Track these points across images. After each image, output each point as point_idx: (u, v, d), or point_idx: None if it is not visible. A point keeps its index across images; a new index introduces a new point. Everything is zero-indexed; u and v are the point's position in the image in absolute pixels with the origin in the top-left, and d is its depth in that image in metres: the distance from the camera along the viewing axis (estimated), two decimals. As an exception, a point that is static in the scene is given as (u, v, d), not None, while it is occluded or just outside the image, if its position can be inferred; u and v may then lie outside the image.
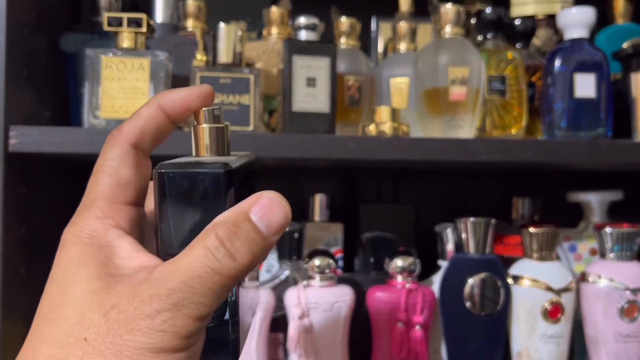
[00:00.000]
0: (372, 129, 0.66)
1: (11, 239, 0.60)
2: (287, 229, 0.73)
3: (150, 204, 0.29)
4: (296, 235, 0.73)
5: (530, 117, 0.83)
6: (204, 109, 0.29)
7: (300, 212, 0.88)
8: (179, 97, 0.29)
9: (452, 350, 0.66)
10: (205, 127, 0.28)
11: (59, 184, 0.74)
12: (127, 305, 0.24)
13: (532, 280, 0.68)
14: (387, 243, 0.74)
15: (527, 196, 0.88)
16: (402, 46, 0.79)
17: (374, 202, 0.87)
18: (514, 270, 0.70)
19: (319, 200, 0.84)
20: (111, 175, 0.27)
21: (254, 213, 0.25)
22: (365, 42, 0.90)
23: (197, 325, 0.24)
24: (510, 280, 0.69)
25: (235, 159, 0.28)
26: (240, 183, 0.27)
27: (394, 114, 0.66)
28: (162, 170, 0.26)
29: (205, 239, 0.25)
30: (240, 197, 0.26)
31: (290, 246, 0.72)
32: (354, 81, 0.74)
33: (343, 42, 0.77)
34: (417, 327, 0.65)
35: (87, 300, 0.24)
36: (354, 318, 0.67)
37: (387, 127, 0.65)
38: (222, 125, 0.29)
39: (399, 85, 0.77)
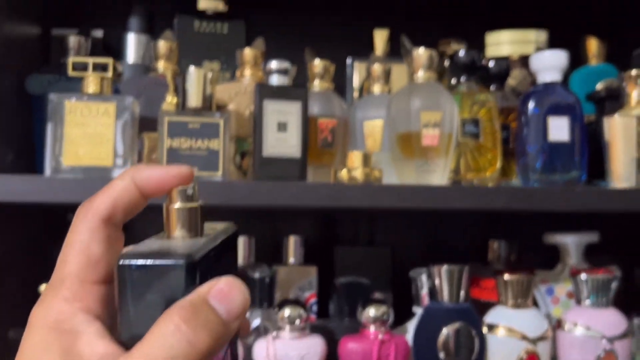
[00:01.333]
0: (343, 174, 0.65)
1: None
2: (257, 275, 0.71)
3: None
4: (267, 280, 0.71)
5: (505, 159, 0.83)
6: (176, 188, 0.28)
7: (274, 254, 0.86)
8: (154, 175, 0.28)
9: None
10: (176, 207, 0.28)
11: (15, 232, 0.72)
12: None
13: (507, 329, 0.67)
14: (362, 288, 0.73)
15: (504, 237, 0.88)
16: (377, 88, 0.79)
17: (350, 243, 0.86)
18: (489, 318, 0.69)
19: (293, 242, 0.83)
20: (81, 251, 0.27)
21: (213, 297, 0.25)
22: (342, 82, 0.89)
23: None
24: (485, 329, 0.68)
25: (205, 242, 0.27)
26: (209, 268, 0.27)
27: (366, 159, 0.66)
28: (122, 263, 0.25)
29: (163, 326, 0.24)
30: (210, 278, 0.26)
31: (261, 292, 0.70)
32: (328, 124, 0.73)
33: (317, 84, 0.76)
34: (389, 379, 0.63)
35: None
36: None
37: (358, 173, 0.64)
38: (195, 205, 0.28)
39: (373, 127, 0.76)
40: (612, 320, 0.69)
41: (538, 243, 0.88)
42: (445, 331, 0.64)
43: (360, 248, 0.83)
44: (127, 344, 0.26)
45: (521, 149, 0.77)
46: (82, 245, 0.27)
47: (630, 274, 0.96)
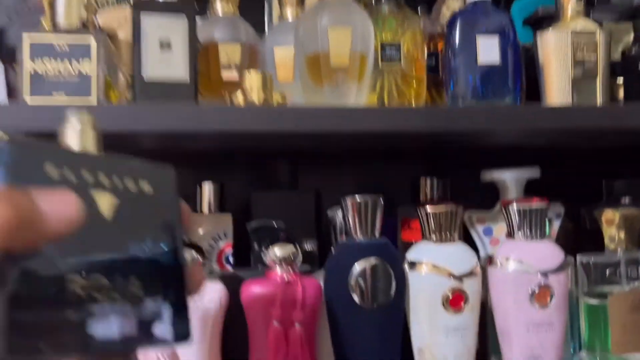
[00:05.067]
0: (239, 97, 0.57)
1: None
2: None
3: None
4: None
5: (436, 90, 0.76)
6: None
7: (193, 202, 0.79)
8: None
9: (339, 349, 0.57)
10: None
11: None
12: None
13: (431, 266, 0.60)
14: (276, 232, 0.65)
15: (439, 176, 0.81)
16: (289, 13, 0.71)
17: (270, 189, 0.78)
18: (411, 255, 0.62)
19: (207, 189, 0.75)
20: None
21: (37, 192, 0.23)
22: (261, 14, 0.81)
23: None
24: (407, 267, 0.61)
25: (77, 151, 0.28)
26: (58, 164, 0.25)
27: (266, 82, 0.58)
28: None
29: None
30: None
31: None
32: (230, 50, 0.65)
33: (219, 7, 0.68)
34: (297, 325, 0.56)
35: None
36: (234, 319, 0.58)
37: (256, 95, 0.56)
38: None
39: (284, 55, 0.68)
40: (546, 253, 0.63)
41: (477, 184, 0.82)
42: (357, 269, 0.57)
43: (280, 193, 0.76)
44: None
45: (450, 75, 0.70)
46: None
47: (577, 216, 0.91)
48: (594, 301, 0.71)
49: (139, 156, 0.29)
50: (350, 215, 0.59)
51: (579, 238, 0.91)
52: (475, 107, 0.64)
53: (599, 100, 0.67)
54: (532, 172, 0.79)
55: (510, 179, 0.78)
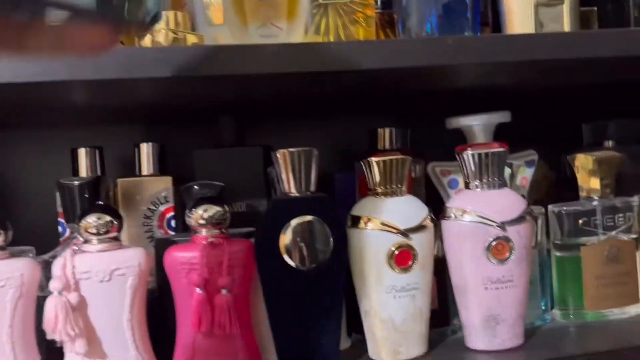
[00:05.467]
0: (147, 40, 0.51)
1: None
2: (77, 182, 0.58)
3: None
4: (86, 189, 0.57)
5: (390, 30, 0.69)
6: None
7: (124, 165, 0.74)
8: None
9: (273, 315, 0.52)
10: None
11: None
12: None
13: (374, 221, 0.54)
14: (210, 192, 0.59)
15: (402, 126, 0.75)
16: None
17: (216, 147, 0.72)
18: (354, 210, 0.57)
19: (145, 150, 0.70)
20: None
21: None
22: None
23: None
24: (349, 223, 0.56)
25: None
26: None
27: (177, 20, 0.51)
28: None
29: None
30: None
31: (82, 207, 0.57)
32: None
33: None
34: (224, 291, 0.51)
35: None
36: (164, 289, 0.53)
37: (162, 37, 0.50)
38: None
39: (212, -6, 0.61)
40: (504, 203, 0.57)
41: (444, 133, 0.75)
42: (289, 228, 0.51)
43: (224, 150, 0.70)
44: None
45: (402, 10, 0.63)
46: None
47: (557, 163, 0.84)
48: (566, 254, 0.65)
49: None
50: (282, 170, 0.53)
51: (561, 187, 0.84)
52: (431, 40, 0.57)
53: (567, 27, 0.59)
54: (501, 117, 0.72)
55: (477, 125, 0.72)
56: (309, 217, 0.52)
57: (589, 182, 0.66)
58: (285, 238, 0.51)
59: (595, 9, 0.66)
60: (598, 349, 0.56)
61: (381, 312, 0.55)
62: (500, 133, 0.73)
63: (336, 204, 0.56)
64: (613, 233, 0.65)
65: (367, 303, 0.55)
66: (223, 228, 0.53)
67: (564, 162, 0.82)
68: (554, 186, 0.87)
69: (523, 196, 0.68)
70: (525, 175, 0.73)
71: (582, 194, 0.66)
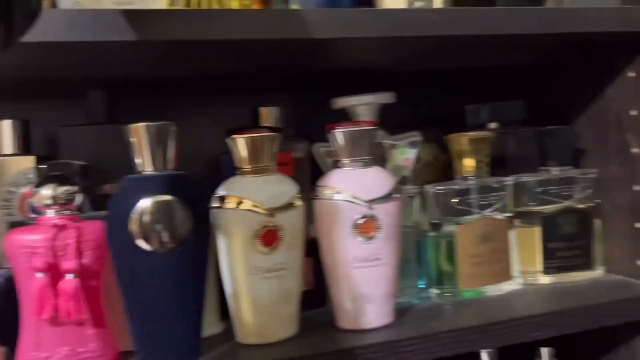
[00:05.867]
0: None
1: None
2: None
3: None
4: None
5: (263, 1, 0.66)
6: None
7: None
8: None
9: (127, 302, 0.50)
10: None
11: None
12: None
13: (240, 201, 0.52)
14: (68, 172, 0.56)
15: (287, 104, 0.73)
16: None
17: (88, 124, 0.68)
18: (220, 190, 0.54)
19: (7, 129, 0.64)
20: None
21: None
22: None
23: None
24: (214, 203, 0.54)
25: None
26: None
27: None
28: None
29: None
30: None
31: None
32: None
33: None
34: (70, 276, 0.47)
35: None
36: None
37: None
38: None
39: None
40: (373, 181, 0.56)
41: (330, 113, 0.74)
42: (141, 207, 0.48)
43: (92, 128, 0.66)
44: None
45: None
46: None
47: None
48: (442, 233, 0.66)
49: None
50: (136, 146, 0.50)
51: (445, 168, 0.85)
52: (299, 12, 0.55)
53: (438, 4, 0.59)
54: (385, 98, 0.72)
55: (361, 106, 0.71)
56: (165, 197, 0.49)
57: (464, 162, 0.66)
58: (136, 218, 0.48)
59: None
60: (464, 324, 0.57)
61: (248, 294, 0.53)
62: (391, 116, 0.73)
63: (202, 184, 0.54)
64: (487, 212, 0.66)
65: (234, 285, 0.54)
66: (73, 209, 0.50)
67: (446, 144, 0.83)
68: (447, 168, 0.89)
69: (405, 177, 0.69)
70: (409, 156, 0.73)
71: (460, 173, 0.67)
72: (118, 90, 0.69)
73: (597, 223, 0.71)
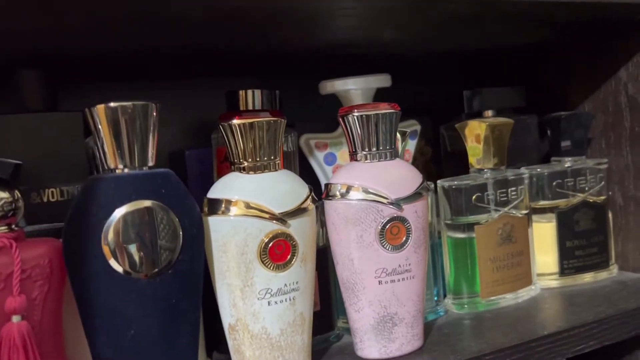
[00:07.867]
0: None
1: None
2: None
3: None
4: None
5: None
6: None
7: None
8: None
9: (97, 344, 0.36)
10: None
11: None
12: None
13: (240, 204, 0.41)
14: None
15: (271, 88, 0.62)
16: None
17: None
18: (212, 192, 0.42)
19: None
20: None
21: None
22: None
23: None
24: (205, 209, 0.41)
25: None
26: None
27: None
28: None
29: None
30: None
31: None
32: None
33: None
34: (15, 319, 0.34)
35: None
36: None
37: None
38: None
39: None
40: (397, 175, 0.46)
41: (316, 100, 0.64)
42: (114, 218, 0.35)
43: (27, 116, 0.52)
44: None
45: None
46: None
47: (436, 136, 0.77)
48: (458, 234, 0.57)
49: None
50: (102, 136, 0.37)
51: (440, 163, 0.77)
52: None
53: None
54: (381, 81, 0.62)
55: (355, 89, 0.61)
56: (145, 203, 0.36)
57: (481, 152, 0.58)
58: (107, 233, 0.35)
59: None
60: (503, 344, 0.48)
61: (252, 324, 0.41)
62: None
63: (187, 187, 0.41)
64: (506, 209, 0.58)
65: (232, 314, 0.42)
66: (13, 223, 0.36)
67: (443, 135, 0.75)
68: (431, 162, 0.81)
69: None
70: (408, 147, 0.64)
71: (476, 165, 0.59)
72: (60, 72, 0.54)
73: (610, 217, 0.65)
